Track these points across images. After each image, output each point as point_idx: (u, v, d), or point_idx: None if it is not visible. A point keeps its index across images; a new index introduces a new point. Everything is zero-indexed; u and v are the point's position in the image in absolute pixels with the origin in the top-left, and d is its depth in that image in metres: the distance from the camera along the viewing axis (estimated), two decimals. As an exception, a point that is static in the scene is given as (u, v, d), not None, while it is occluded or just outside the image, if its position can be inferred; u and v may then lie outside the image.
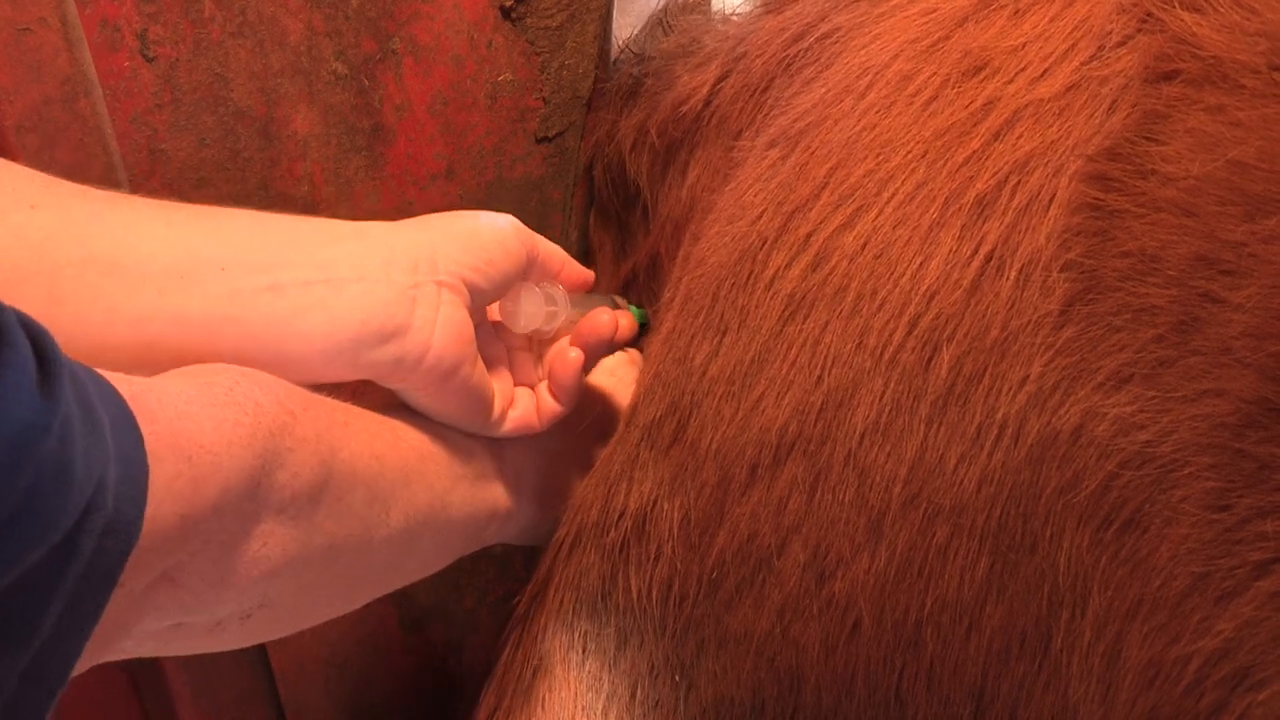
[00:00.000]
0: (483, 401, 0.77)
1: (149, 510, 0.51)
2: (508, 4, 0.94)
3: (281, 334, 0.69)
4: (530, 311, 0.80)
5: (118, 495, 0.49)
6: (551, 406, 0.81)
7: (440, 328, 0.72)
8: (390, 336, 0.71)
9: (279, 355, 0.68)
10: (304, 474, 0.63)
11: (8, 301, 0.54)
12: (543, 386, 0.82)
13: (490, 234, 0.76)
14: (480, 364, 0.76)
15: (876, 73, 0.73)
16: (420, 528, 0.73)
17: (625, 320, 0.85)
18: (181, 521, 0.55)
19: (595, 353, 0.82)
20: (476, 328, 0.78)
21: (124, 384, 0.53)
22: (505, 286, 0.78)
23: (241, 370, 0.63)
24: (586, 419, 0.85)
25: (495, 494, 0.80)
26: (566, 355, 0.81)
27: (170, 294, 0.65)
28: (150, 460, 0.52)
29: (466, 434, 0.79)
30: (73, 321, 0.62)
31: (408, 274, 0.71)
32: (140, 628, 0.58)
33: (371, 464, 0.69)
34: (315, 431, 0.64)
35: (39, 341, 0.47)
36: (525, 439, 0.82)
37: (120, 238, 0.64)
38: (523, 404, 0.81)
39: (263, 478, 0.60)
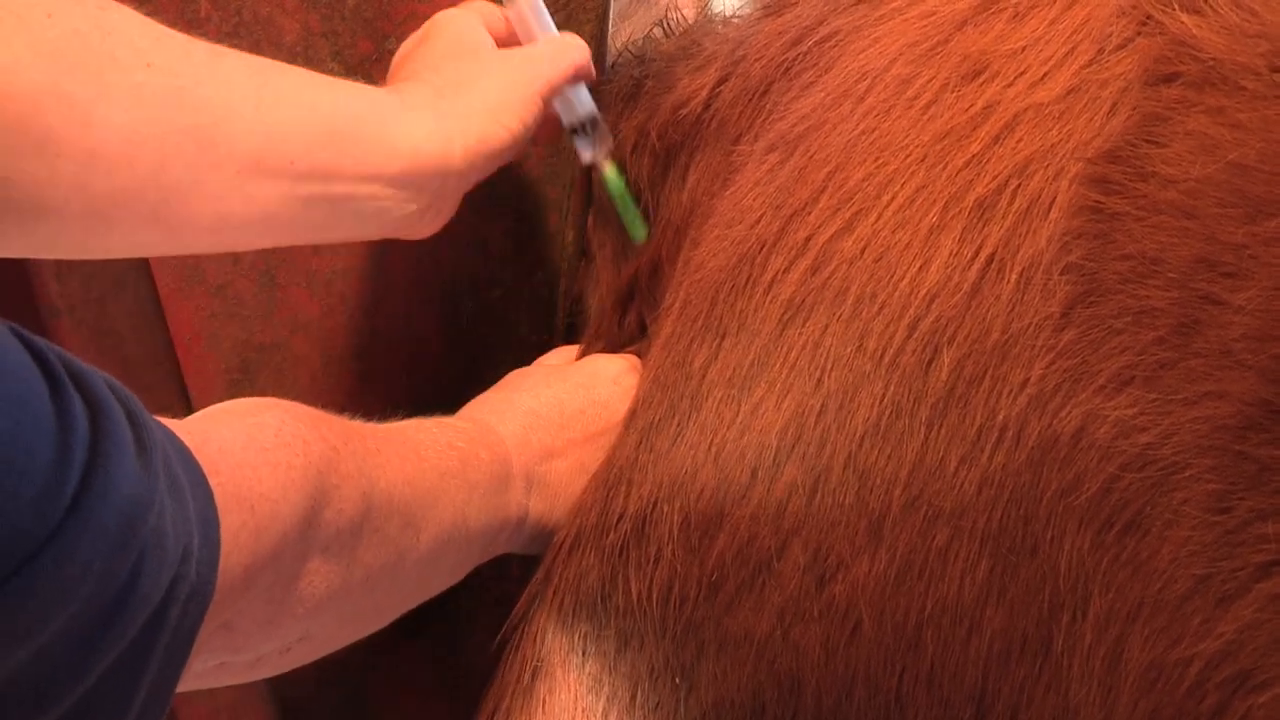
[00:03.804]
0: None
1: (220, 566, 0.52)
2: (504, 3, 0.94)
3: (326, 236, 0.77)
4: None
5: (199, 559, 0.50)
6: None
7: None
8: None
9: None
10: (347, 510, 0.64)
11: (136, 156, 0.59)
12: None
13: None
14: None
15: (875, 76, 0.73)
16: (445, 546, 0.73)
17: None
18: (246, 571, 0.56)
19: None
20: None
21: (184, 435, 0.54)
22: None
23: (284, 406, 0.64)
24: (590, 425, 0.84)
25: (508, 503, 0.80)
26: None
27: (243, 178, 0.67)
28: (219, 514, 0.52)
29: (477, 445, 0.78)
30: (170, 190, 0.65)
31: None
32: (189, 670, 0.58)
33: (404, 490, 0.69)
34: (355, 465, 0.65)
35: (127, 405, 0.48)
36: (531, 447, 0.82)
37: (216, 113, 0.66)
38: None
39: (313, 517, 0.61)
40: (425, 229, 0.80)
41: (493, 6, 0.87)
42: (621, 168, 0.89)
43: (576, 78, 0.86)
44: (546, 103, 0.83)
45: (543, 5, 0.86)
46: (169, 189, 0.65)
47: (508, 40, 0.86)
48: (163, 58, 0.64)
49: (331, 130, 0.71)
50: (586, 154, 0.88)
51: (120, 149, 0.62)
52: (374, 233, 0.79)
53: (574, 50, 0.86)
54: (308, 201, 0.71)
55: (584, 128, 0.88)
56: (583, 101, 0.87)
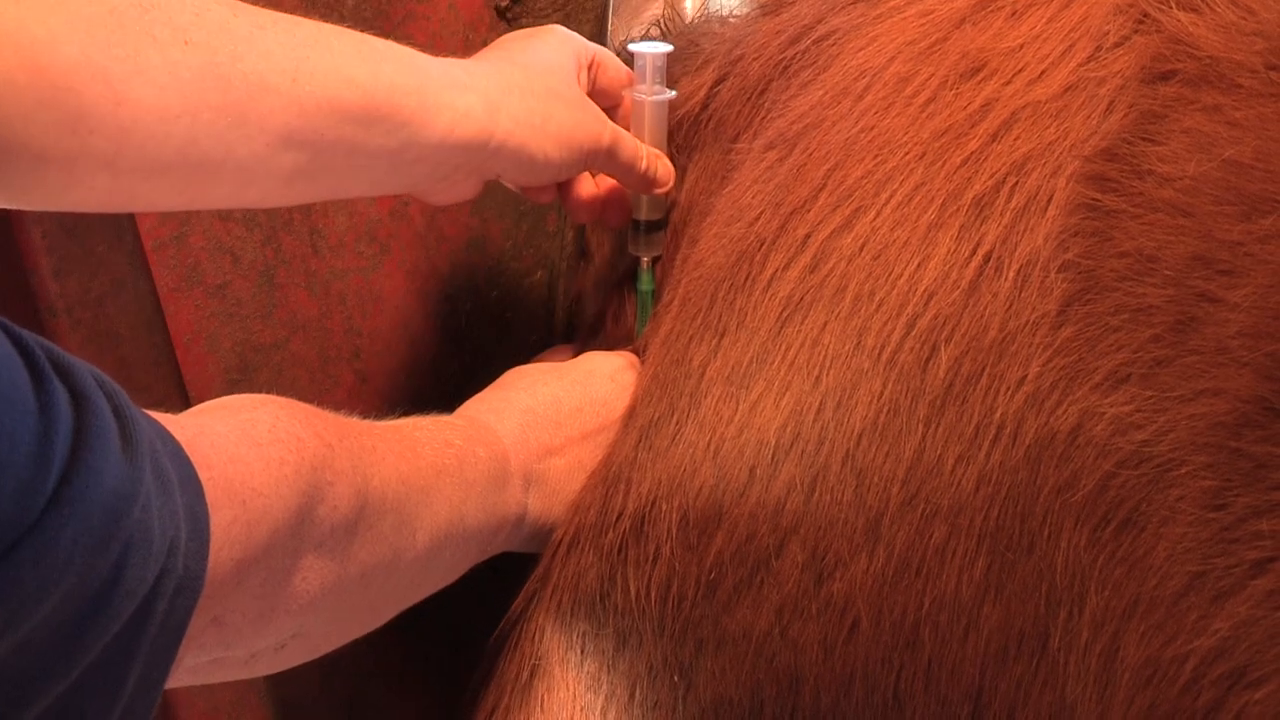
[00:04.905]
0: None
1: (209, 560, 0.52)
2: (503, 4, 0.94)
3: (340, 195, 0.83)
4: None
5: (186, 553, 0.50)
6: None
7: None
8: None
9: None
10: (342, 507, 0.64)
11: (168, 133, 0.60)
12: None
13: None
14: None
15: (874, 74, 0.73)
16: (442, 544, 0.73)
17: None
18: (237, 566, 0.55)
19: None
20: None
21: (177, 429, 0.54)
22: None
23: (279, 403, 0.64)
24: (588, 422, 0.84)
25: (506, 501, 0.80)
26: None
27: (271, 150, 0.68)
28: (209, 508, 0.52)
29: (474, 443, 0.78)
30: (198, 162, 0.66)
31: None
32: (181, 665, 0.58)
33: (399, 488, 0.69)
34: (350, 463, 0.65)
35: (114, 399, 0.47)
36: (529, 445, 0.82)
37: (251, 89, 0.67)
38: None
39: (306, 514, 0.61)
40: (440, 199, 0.83)
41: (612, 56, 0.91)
42: (653, 274, 0.93)
43: (634, 180, 0.89)
44: (587, 162, 0.85)
45: (665, 126, 0.90)
46: (197, 162, 0.65)
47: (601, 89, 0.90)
48: (201, 34, 0.64)
49: (366, 105, 0.72)
50: (635, 249, 0.92)
51: (152, 126, 0.62)
52: (387, 193, 0.83)
53: (641, 161, 0.88)
54: (328, 167, 0.72)
55: (644, 227, 0.91)
56: (653, 208, 0.91)
